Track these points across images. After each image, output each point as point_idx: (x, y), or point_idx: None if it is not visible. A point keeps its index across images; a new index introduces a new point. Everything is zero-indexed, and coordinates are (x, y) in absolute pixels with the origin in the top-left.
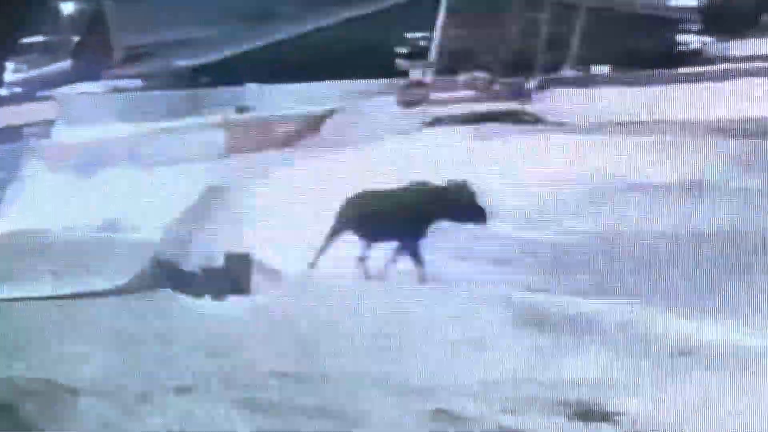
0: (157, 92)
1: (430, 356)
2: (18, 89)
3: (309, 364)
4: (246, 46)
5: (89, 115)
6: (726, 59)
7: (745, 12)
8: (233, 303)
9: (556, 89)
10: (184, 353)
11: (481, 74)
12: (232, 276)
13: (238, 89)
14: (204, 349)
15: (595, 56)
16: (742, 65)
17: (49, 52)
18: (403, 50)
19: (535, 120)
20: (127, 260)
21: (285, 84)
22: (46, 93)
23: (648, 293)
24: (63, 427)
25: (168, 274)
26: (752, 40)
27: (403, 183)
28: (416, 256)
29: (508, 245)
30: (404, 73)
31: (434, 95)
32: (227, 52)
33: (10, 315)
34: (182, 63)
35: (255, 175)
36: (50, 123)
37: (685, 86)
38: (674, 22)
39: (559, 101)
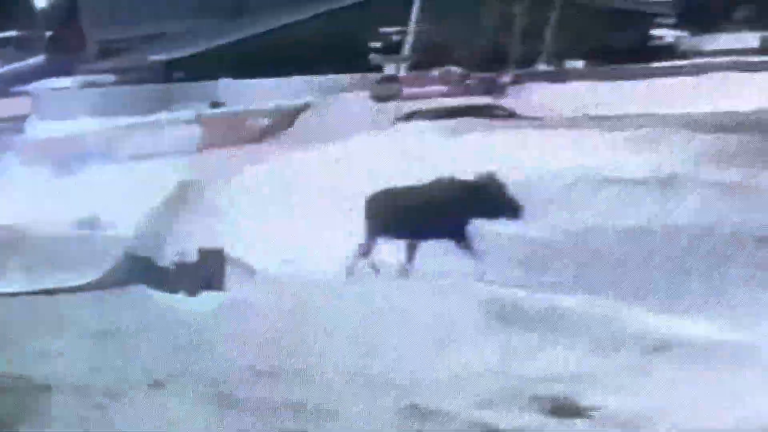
0: (131, 87)
1: (405, 352)
2: None
3: (283, 360)
4: (220, 41)
5: (63, 111)
6: (700, 54)
7: (718, 7)
8: (207, 298)
9: (531, 84)
10: (157, 349)
11: (455, 69)
12: (206, 272)
13: (211, 84)
14: (178, 345)
15: (569, 51)
16: (715, 59)
17: (22, 47)
18: (377, 45)
19: (510, 115)
20: (100, 256)
21: (259, 78)
22: (20, 88)
23: (623, 288)
24: (35, 422)
25: (142, 270)
26: (725, 35)
27: (427, 179)
28: (469, 250)
29: (483, 240)
30: (378, 68)
31: (408, 90)
32: (201, 47)
33: None
34: (156, 57)
35: (229, 170)
36: (24, 118)
37: (659, 80)
38: (649, 16)
39: (534, 96)
